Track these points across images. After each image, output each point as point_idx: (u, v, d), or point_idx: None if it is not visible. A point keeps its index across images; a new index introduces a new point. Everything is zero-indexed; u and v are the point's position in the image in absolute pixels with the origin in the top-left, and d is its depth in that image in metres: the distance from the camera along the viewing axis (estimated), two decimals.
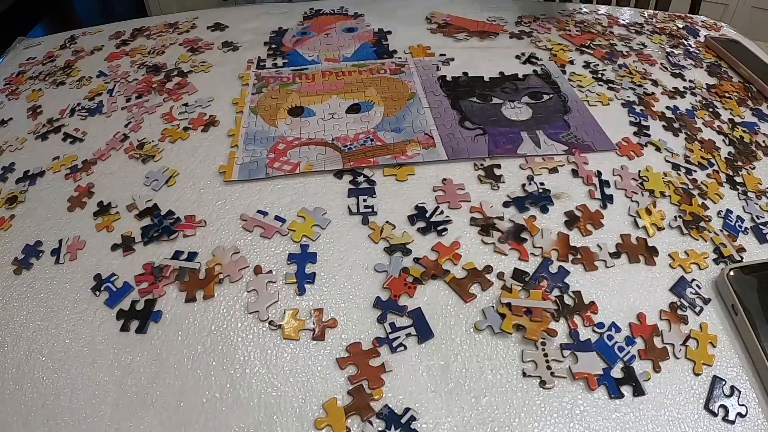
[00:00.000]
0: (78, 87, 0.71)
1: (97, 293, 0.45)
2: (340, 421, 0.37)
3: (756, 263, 0.46)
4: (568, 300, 0.43)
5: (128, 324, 0.42)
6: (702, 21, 0.91)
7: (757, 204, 0.54)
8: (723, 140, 0.61)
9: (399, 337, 0.41)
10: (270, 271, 0.45)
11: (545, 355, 0.40)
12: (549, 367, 0.40)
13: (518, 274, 0.45)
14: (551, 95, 0.65)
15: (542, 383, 0.39)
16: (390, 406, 0.38)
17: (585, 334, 0.41)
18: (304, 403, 0.38)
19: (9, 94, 0.71)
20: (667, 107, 0.66)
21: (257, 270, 0.45)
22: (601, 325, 0.42)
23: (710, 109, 0.66)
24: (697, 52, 0.79)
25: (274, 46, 0.77)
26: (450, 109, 0.62)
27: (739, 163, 0.58)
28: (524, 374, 0.39)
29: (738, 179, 0.57)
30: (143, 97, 0.67)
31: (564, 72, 0.71)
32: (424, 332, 0.41)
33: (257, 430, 0.37)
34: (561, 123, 0.61)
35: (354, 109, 0.63)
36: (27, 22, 1.53)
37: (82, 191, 0.54)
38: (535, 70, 0.70)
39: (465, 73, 0.69)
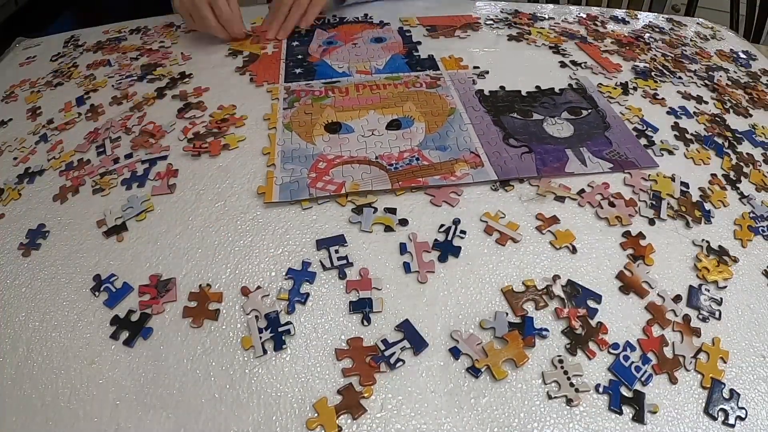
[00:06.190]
0: (77, 86, 0.71)
1: (97, 294, 0.45)
2: (331, 420, 0.37)
3: None
4: (578, 329, 0.42)
5: (118, 334, 0.42)
6: (698, 23, 0.91)
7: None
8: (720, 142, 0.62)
9: (395, 353, 0.41)
10: (258, 287, 0.45)
11: (565, 372, 0.40)
12: (572, 384, 0.39)
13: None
14: (590, 110, 0.64)
15: (569, 402, 0.38)
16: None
17: (601, 357, 0.41)
18: (304, 403, 0.38)
19: (6, 98, 0.71)
20: (671, 107, 0.66)
21: (244, 291, 0.44)
22: (615, 345, 0.41)
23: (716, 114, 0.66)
24: (697, 54, 0.80)
25: (300, 56, 0.75)
26: (492, 126, 0.61)
27: (744, 168, 0.59)
28: (549, 396, 0.38)
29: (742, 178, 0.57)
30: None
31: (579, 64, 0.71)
32: (417, 343, 0.41)
33: (257, 430, 0.37)
34: (603, 139, 0.59)
35: (394, 125, 0.61)
36: (51, 13, 1.49)
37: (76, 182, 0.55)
38: (570, 84, 0.69)
39: (502, 87, 0.67)
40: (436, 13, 0.87)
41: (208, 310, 0.43)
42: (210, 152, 0.57)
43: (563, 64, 0.73)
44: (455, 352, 0.40)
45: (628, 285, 0.45)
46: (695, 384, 0.40)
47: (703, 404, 0.39)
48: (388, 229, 0.49)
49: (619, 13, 0.92)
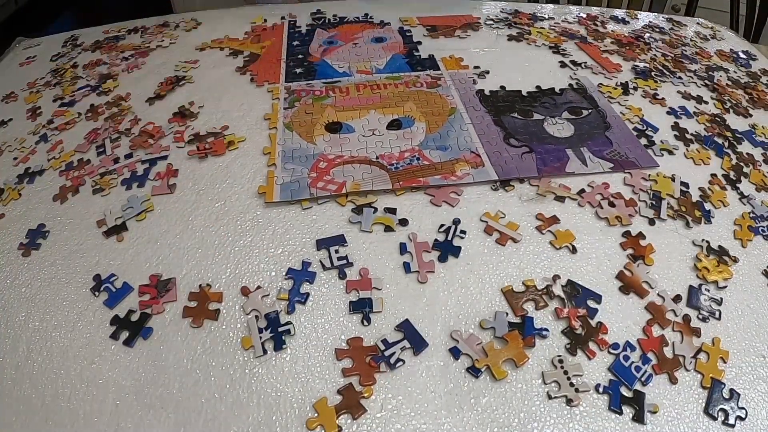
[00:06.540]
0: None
1: (96, 294, 0.45)
2: (331, 420, 0.37)
3: None
4: (578, 329, 0.42)
5: (118, 333, 0.42)
6: (698, 23, 0.91)
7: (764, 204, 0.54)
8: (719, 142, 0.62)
9: (395, 353, 0.41)
10: (258, 287, 0.45)
11: (565, 372, 0.40)
12: (572, 384, 0.39)
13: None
14: (590, 110, 0.64)
15: (569, 402, 0.38)
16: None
17: (601, 357, 0.41)
18: (304, 404, 0.38)
19: (6, 98, 0.71)
20: (671, 107, 0.66)
21: (244, 291, 0.44)
22: (615, 345, 0.41)
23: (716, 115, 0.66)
24: (697, 54, 0.80)
25: (300, 56, 0.75)
26: (493, 126, 0.61)
27: (744, 168, 0.59)
28: (549, 396, 0.38)
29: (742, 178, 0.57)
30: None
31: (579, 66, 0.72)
32: (417, 343, 0.41)
33: (257, 430, 0.37)
34: (603, 139, 0.59)
35: (395, 125, 0.61)
36: (51, 12, 1.49)
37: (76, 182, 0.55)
38: (570, 84, 0.69)
39: (502, 87, 0.68)
40: (436, 13, 0.87)
41: (208, 310, 0.43)
42: (216, 152, 0.57)
43: (563, 64, 0.73)
44: (455, 352, 0.40)
45: (628, 285, 0.45)
46: (695, 384, 0.40)
47: (703, 404, 0.39)
48: (388, 229, 0.49)
49: (619, 13, 0.92)
